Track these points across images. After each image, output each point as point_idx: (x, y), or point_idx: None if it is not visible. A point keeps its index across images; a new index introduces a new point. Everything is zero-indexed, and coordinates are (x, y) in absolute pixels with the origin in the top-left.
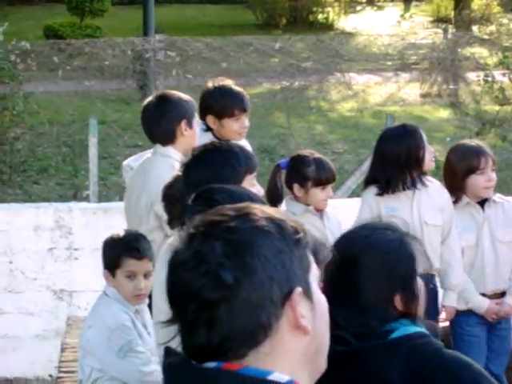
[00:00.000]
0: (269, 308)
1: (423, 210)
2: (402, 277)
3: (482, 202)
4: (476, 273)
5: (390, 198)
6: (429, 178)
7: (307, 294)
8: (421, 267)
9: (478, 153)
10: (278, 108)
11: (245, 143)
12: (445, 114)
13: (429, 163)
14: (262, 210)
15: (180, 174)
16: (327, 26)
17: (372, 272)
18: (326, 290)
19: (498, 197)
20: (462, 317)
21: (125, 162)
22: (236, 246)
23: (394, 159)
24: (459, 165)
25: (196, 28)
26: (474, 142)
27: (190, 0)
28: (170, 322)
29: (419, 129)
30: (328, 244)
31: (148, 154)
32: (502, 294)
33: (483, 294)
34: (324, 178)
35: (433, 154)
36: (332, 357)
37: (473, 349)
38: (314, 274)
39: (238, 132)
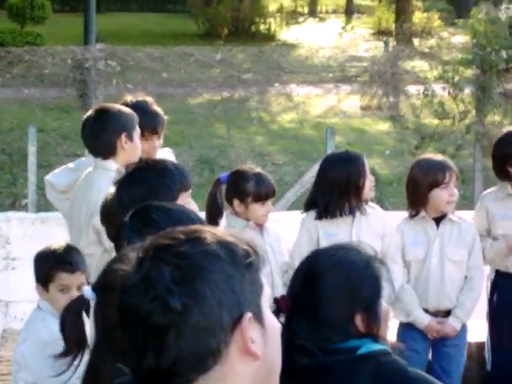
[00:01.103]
0: (218, 334)
1: (362, 237)
2: (365, 297)
3: (439, 219)
4: (420, 288)
5: (328, 223)
6: (371, 204)
7: (258, 318)
8: (386, 292)
9: (442, 167)
10: (219, 119)
11: (168, 154)
12: (384, 126)
13: (368, 192)
14: (213, 234)
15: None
16: (269, 37)
17: (334, 289)
18: (290, 304)
19: (456, 216)
20: (405, 330)
21: (47, 177)
22: (185, 272)
23: (335, 184)
24: (423, 178)
25: (137, 37)
26: (439, 156)
27: (132, 8)
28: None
29: (362, 156)
30: (265, 257)
31: (70, 165)
32: (447, 313)
33: (426, 310)
34: (264, 193)
35: (373, 183)
36: (297, 369)
37: (411, 364)
38: (266, 298)
39: (147, 151)
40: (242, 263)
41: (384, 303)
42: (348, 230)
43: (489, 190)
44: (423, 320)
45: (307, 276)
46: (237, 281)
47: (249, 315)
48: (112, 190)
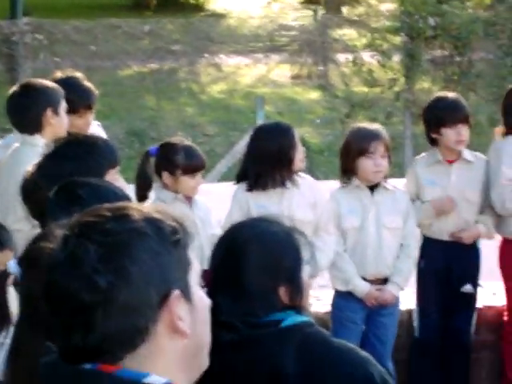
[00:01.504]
0: (146, 312)
1: (294, 208)
2: (287, 269)
3: (374, 188)
4: (358, 256)
5: (260, 195)
6: (302, 174)
7: (186, 295)
8: (306, 262)
9: (371, 136)
10: (148, 91)
11: (97, 129)
12: (315, 95)
13: (299, 163)
14: (140, 210)
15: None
16: (198, 8)
17: (257, 262)
18: (213, 277)
19: (391, 185)
20: (342, 299)
21: None
22: (111, 250)
23: (265, 156)
24: (352, 146)
25: (65, 9)
26: (374, 125)
27: None
28: None
29: (292, 128)
30: (191, 229)
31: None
32: (385, 281)
33: (364, 279)
34: (193, 165)
35: (303, 154)
36: (223, 344)
37: (347, 333)
38: (195, 274)
39: (81, 128)
40: (169, 240)
41: (304, 275)
42: (279, 202)
43: (420, 156)
44: (363, 288)
45: (229, 249)
46: (164, 258)
47: (176, 292)
48: (33, 165)
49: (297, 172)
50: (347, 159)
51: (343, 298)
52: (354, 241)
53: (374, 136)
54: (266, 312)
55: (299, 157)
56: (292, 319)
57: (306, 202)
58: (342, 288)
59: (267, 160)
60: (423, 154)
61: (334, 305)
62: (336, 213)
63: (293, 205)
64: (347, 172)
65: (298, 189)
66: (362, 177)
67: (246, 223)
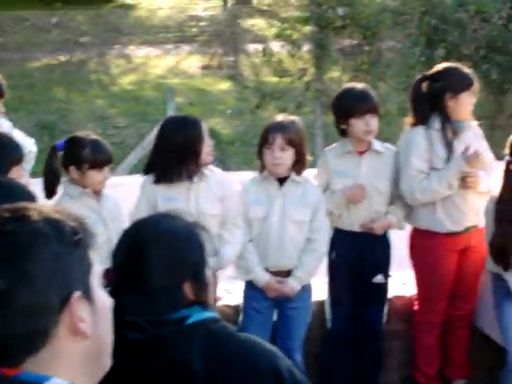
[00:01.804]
0: (46, 314)
1: (201, 201)
2: (191, 265)
3: (284, 179)
4: (261, 246)
5: (167, 188)
6: (211, 167)
7: (87, 296)
8: (209, 256)
9: (270, 128)
10: (58, 83)
11: (5, 122)
12: (225, 86)
13: (206, 157)
14: (40, 211)
15: None
16: None
17: (160, 259)
18: (116, 276)
19: (302, 177)
20: (249, 289)
21: None
22: (11, 251)
23: (173, 149)
24: (260, 137)
25: None
26: (290, 118)
27: None
28: None
29: (201, 121)
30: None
31: None
32: (289, 273)
33: (267, 270)
34: (100, 159)
35: (211, 148)
36: (130, 344)
37: (255, 324)
38: (96, 275)
39: None
40: (69, 241)
41: (209, 270)
42: (186, 195)
43: (330, 147)
44: (262, 278)
45: (131, 247)
46: (64, 259)
47: (77, 294)
48: None
49: (205, 165)
50: (259, 150)
51: (250, 289)
52: (258, 231)
53: (275, 128)
54: (172, 309)
55: (207, 150)
56: (197, 315)
57: (214, 195)
58: (244, 277)
59: (174, 153)
60: (334, 145)
61: (243, 296)
62: (244, 202)
63: (200, 198)
64: (260, 161)
65: (205, 182)
66: (267, 168)
67: (147, 220)
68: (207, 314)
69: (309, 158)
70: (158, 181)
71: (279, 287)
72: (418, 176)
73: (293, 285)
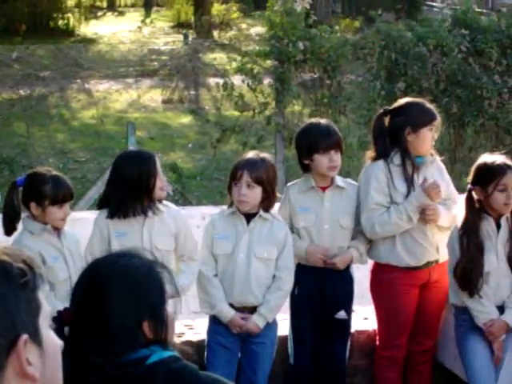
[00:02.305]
0: None
1: (154, 236)
2: (150, 304)
3: (253, 216)
4: (226, 282)
5: (120, 223)
6: (166, 202)
7: (35, 339)
8: (169, 295)
9: (238, 165)
10: (18, 117)
11: None
12: (186, 120)
13: (160, 192)
14: None
15: None
16: (68, 33)
17: (119, 298)
18: (75, 318)
19: (269, 214)
20: (214, 324)
21: None
22: None
23: (126, 184)
24: (230, 172)
25: None
26: (261, 156)
27: None
28: None
29: (154, 156)
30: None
31: None
32: (254, 309)
33: (232, 305)
34: (61, 196)
35: (164, 183)
36: None
37: (219, 359)
38: (45, 317)
39: None
40: (16, 283)
41: (169, 308)
42: (139, 230)
43: (292, 183)
44: (227, 314)
45: (89, 287)
46: (11, 301)
47: (24, 337)
48: None
49: (159, 200)
50: (228, 185)
51: (215, 323)
52: (224, 266)
53: (242, 165)
54: (131, 349)
55: (160, 185)
56: (157, 355)
57: (168, 231)
58: (208, 312)
59: (127, 187)
60: (296, 181)
61: (208, 330)
62: (210, 236)
63: (153, 234)
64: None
65: (159, 217)
66: (234, 204)
67: (105, 258)
68: (167, 353)
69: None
70: (111, 216)
71: (243, 324)
72: (378, 210)
73: (257, 322)
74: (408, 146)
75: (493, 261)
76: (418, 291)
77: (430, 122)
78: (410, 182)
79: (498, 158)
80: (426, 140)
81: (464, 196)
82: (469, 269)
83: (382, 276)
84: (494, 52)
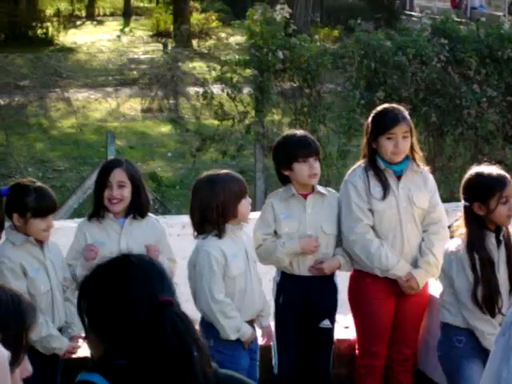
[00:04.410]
0: None
1: (131, 245)
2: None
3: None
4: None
5: (98, 231)
6: (151, 215)
7: None
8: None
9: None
10: None
11: None
12: (166, 129)
13: (107, 203)
14: None
15: None
16: (47, 42)
17: None
18: None
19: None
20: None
21: None
22: None
23: (99, 190)
24: None
25: None
26: (218, 172)
27: None
28: None
29: (112, 168)
30: None
31: None
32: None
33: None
34: (44, 208)
35: (114, 195)
36: None
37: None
38: None
39: None
40: None
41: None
42: (117, 239)
43: (274, 192)
44: (248, 330)
45: None
46: None
47: None
48: None
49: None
50: None
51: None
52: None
53: None
54: None
55: (107, 195)
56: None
57: (145, 240)
58: (233, 337)
59: (101, 194)
60: (276, 191)
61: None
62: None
63: (130, 242)
64: None
65: (138, 225)
66: None
67: None
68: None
69: (250, 200)
70: (89, 219)
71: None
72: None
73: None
74: (380, 154)
75: (500, 277)
76: (395, 299)
77: (386, 131)
78: (384, 189)
79: (491, 170)
80: (386, 148)
81: (448, 205)
82: (492, 290)
83: (359, 283)
84: (473, 61)
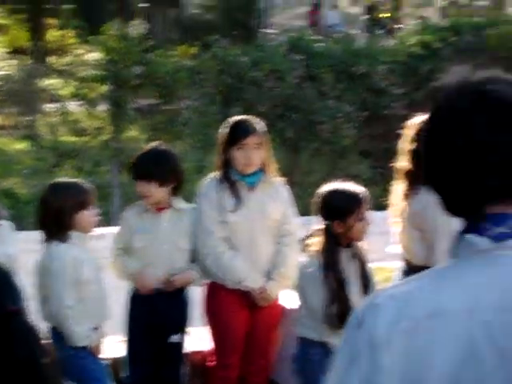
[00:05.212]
0: None
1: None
2: None
3: None
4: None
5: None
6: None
7: None
8: None
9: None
10: None
11: None
12: (22, 146)
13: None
14: None
15: None
16: None
17: None
18: None
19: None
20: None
21: None
22: None
23: None
24: None
25: None
26: (66, 180)
27: None
28: None
29: None
30: None
31: None
32: None
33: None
34: None
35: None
36: None
37: None
38: None
39: None
40: None
41: None
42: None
43: (132, 205)
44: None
45: None
46: None
47: None
48: None
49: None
50: None
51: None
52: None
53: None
54: None
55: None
56: None
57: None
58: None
59: None
60: (133, 204)
61: None
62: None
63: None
64: None
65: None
66: None
67: None
68: None
69: (106, 216)
70: None
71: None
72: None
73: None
74: (232, 164)
75: (353, 291)
76: (248, 311)
77: (238, 142)
78: (237, 201)
79: (348, 187)
80: (238, 159)
81: (299, 221)
82: (344, 307)
83: (213, 295)
84: (329, 77)
